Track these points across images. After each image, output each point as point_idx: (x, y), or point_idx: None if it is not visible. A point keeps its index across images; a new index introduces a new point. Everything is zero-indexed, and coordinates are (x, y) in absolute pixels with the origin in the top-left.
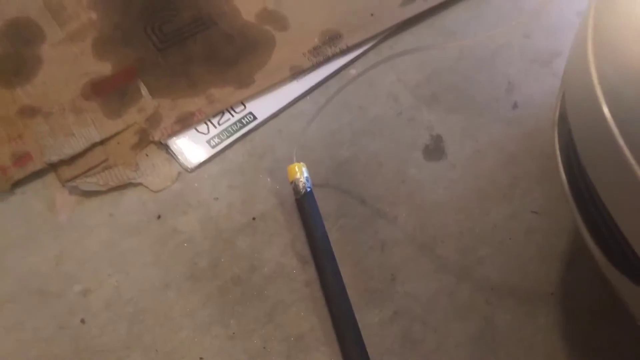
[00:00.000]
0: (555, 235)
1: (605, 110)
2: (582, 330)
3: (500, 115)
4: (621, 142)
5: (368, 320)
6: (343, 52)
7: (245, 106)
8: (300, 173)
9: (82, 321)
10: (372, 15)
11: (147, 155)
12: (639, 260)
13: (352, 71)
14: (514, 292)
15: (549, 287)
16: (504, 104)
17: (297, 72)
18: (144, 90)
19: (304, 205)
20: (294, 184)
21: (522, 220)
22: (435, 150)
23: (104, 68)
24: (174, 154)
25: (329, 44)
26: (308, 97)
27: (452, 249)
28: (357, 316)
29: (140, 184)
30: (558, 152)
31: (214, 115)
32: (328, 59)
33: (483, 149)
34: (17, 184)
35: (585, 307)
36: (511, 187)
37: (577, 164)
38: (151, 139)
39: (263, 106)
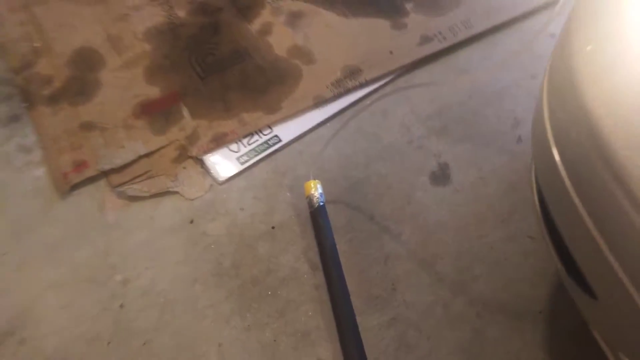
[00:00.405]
0: (548, 259)
1: (555, 152)
2: (566, 347)
3: (504, 147)
4: (566, 180)
5: (368, 323)
6: (362, 85)
7: (272, 129)
8: (315, 189)
9: (121, 306)
10: (390, 52)
11: (184, 168)
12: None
13: (370, 102)
14: (505, 308)
15: (537, 306)
16: (509, 137)
17: (320, 102)
18: (185, 112)
19: (317, 217)
20: (309, 199)
21: (518, 244)
22: (441, 176)
23: (153, 92)
24: (208, 168)
25: (349, 78)
26: (328, 124)
27: (450, 265)
28: (359, 319)
29: (177, 192)
30: (533, 180)
31: (245, 136)
32: (348, 91)
33: (486, 177)
34: (75, 186)
35: (570, 326)
36: (510, 213)
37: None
38: (189, 154)
39: (287, 130)
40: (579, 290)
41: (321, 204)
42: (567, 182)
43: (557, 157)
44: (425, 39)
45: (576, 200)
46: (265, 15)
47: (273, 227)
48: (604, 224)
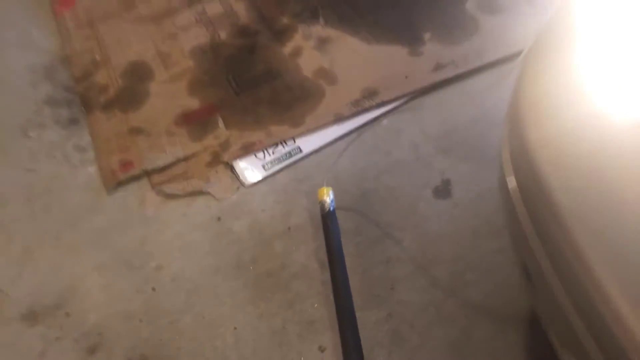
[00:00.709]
0: None
1: (511, 179)
2: (547, 348)
3: None
4: (519, 207)
5: (366, 318)
6: (378, 105)
7: (294, 141)
8: (327, 195)
9: (153, 289)
10: (406, 77)
11: (216, 172)
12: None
13: (385, 121)
14: (492, 312)
15: (522, 311)
16: None
17: (339, 118)
18: (220, 123)
19: (327, 221)
20: (321, 204)
21: (509, 255)
22: (443, 191)
23: (193, 103)
24: (237, 172)
25: (367, 98)
26: (345, 139)
27: (444, 271)
28: (359, 314)
29: (208, 192)
30: None
31: (270, 146)
32: (365, 110)
33: (485, 194)
34: (121, 183)
35: None
36: (503, 227)
37: None
38: (221, 160)
39: (308, 142)
40: (527, 280)
41: (332, 209)
42: (515, 203)
43: (509, 181)
44: (439, 66)
45: (523, 221)
46: (297, 39)
47: (289, 228)
48: (541, 236)
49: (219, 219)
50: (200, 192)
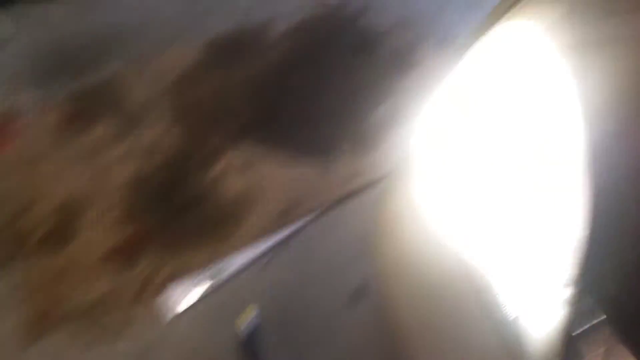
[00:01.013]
0: None
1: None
2: None
3: None
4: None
5: None
6: (299, 219)
7: (221, 262)
8: (249, 317)
9: None
10: (323, 189)
11: (145, 301)
12: None
13: (304, 233)
14: None
15: None
16: None
17: (262, 235)
18: (149, 252)
19: (248, 344)
20: (242, 328)
21: None
22: (359, 296)
23: (123, 235)
24: (165, 300)
25: (288, 213)
26: (269, 254)
27: None
28: None
29: (137, 323)
30: None
31: (197, 270)
32: (287, 224)
33: None
34: (40, 335)
35: None
36: None
37: None
38: (150, 289)
39: (235, 262)
40: None
41: (254, 330)
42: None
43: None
44: (353, 176)
45: None
46: (223, 164)
47: (216, 352)
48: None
49: (146, 352)
50: (128, 324)
